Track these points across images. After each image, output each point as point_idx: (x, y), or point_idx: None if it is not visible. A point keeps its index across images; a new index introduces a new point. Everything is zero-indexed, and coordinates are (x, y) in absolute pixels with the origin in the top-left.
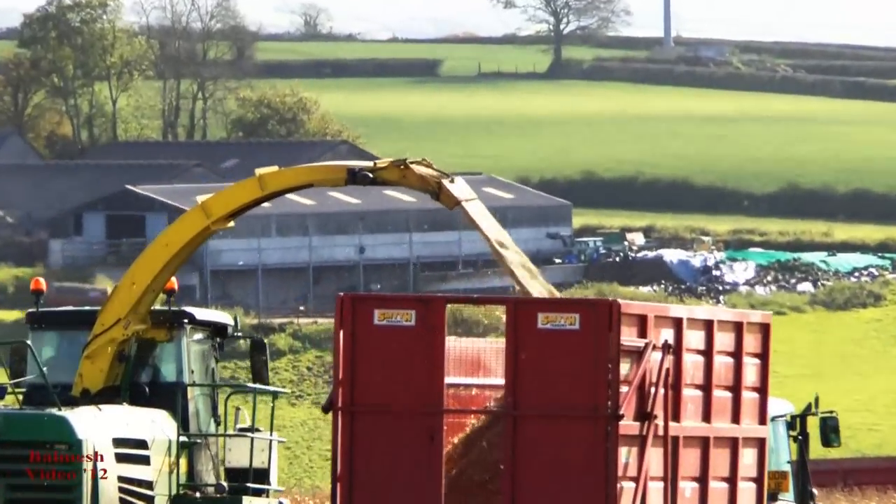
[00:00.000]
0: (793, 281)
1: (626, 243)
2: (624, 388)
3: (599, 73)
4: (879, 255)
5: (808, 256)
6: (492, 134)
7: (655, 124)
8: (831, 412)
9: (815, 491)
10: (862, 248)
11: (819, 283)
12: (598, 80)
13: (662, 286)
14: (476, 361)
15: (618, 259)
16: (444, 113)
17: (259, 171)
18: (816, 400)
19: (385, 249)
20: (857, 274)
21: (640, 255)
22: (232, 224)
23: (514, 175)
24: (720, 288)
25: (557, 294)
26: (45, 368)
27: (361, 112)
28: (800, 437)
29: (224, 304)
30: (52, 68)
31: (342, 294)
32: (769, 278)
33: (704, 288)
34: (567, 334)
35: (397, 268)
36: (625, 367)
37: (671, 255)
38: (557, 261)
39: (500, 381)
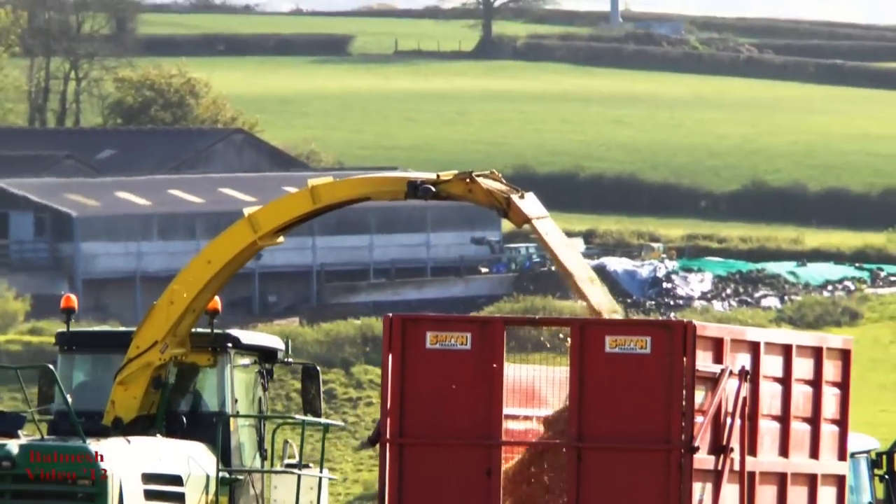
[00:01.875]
0: (756, 295)
1: None
2: (699, 419)
3: (535, 53)
4: (856, 265)
5: (773, 267)
6: (410, 121)
7: (599, 112)
8: None
9: None
10: (836, 257)
11: (786, 298)
12: (534, 61)
13: None
14: (530, 391)
15: (554, 268)
16: (355, 97)
17: (312, 181)
18: None
19: (284, 255)
20: (830, 287)
21: None
22: (282, 239)
23: (436, 169)
24: (672, 303)
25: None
26: (75, 395)
27: (259, 95)
28: (886, 477)
29: (98, 317)
30: None
31: (391, 315)
32: (728, 291)
33: (654, 302)
34: (637, 358)
35: (299, 276)
36: (699, 395)
37: (615, 265)
38: (484, 270)
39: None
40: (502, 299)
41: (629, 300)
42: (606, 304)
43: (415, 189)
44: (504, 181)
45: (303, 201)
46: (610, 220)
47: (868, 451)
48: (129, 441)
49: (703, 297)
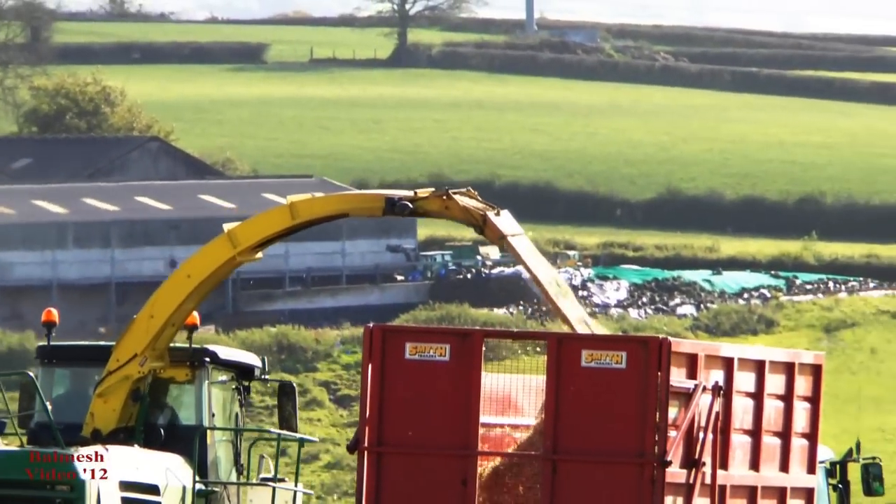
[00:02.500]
0: (672, 303)
1: (479, 258)
2: (672, 433)
3: (451, 61)
4: (772, 273)
5: (689, 275)
6: (325, 130)
7: (515, 119)
8: (874, 458)
9: None
10: (752, 265)
11: (702, 306)
12: (450, 69)
13: (521, 308)
14: (506, 399)
15: (469, 276)
16: (270, 105)
17: (290, 198)
18: (858, 445)
19: None
20: (746, 295)
21: (495, 271)
22: (260, 255)
23: (351, 177)
24: (588, 311)
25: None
26: (55, 407)
27: (175, 103)
28: (840, 486)
29: (13, 326)
30: None
31: (371, 325)
32: (644, 299)
33: None
34: (613, 373)
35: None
36: (672, 410)
37: None
38: (400, 277)
39: (531, 420)
40: (418, 307)
41: (544, 308)
42: (579, 317)
43: (392, 205)
44: (480, 198)
45: (281, 217)
46: (525, 227)
47: (824, 462)
48: (107, 449)
49: (619, 304)
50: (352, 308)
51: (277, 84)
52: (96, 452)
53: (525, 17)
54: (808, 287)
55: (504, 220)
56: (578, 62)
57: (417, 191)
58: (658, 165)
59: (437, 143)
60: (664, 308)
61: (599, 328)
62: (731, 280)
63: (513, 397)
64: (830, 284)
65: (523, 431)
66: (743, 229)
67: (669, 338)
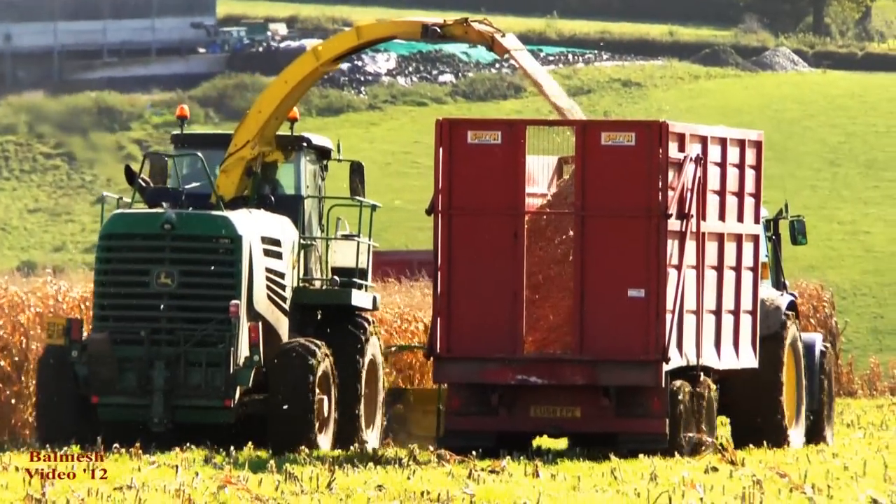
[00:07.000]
0: (434, 72)
1: (269, 33)
2: (670, 193)
3: None
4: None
5: (450, 48)
6: None
7: None
8: (799, 216)
9: (786, 281)
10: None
11: (461, 75)
12: None
13: None
14: (528, 174)
15: (261, 49)
16: None
17: (358, 22)
18: (786, 206)
19: (31, 38)
20: (497, 65)
21: (283, 45)
22: (339, 65)
23: None
24: (362, 78)
25: (582, 115)
26: (186, 181)
27: None
28: (773, 238)
29: None
30: None
31: (441, 119)
32: (410, 69)
33: (347, 78)
34: (625, 150)
35: (44, 56)
36: (669, 176)
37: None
38: (201, 50)
39: (544, 189)
40: (217, 76)
41: (325, 77)
42: (567, 106)
43: (426, 30)
44: (493, 25)
45: (351, 37)
46: (309, 7)
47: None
48: (250, 212)
49: (389, 73)
50: (161, 76)
51: None
52: (245, 215)
53: None
54: (551, 59)
55: (508, 40)
56: None
57: (445, 19)
58: None
59: None
60: (428, 77)
61: (570, 108)
62: (485, 52)
63: (531, 171)
64: (570, 56)
65: (540, 199)
66: (494, 9)
67: (667, 121)
